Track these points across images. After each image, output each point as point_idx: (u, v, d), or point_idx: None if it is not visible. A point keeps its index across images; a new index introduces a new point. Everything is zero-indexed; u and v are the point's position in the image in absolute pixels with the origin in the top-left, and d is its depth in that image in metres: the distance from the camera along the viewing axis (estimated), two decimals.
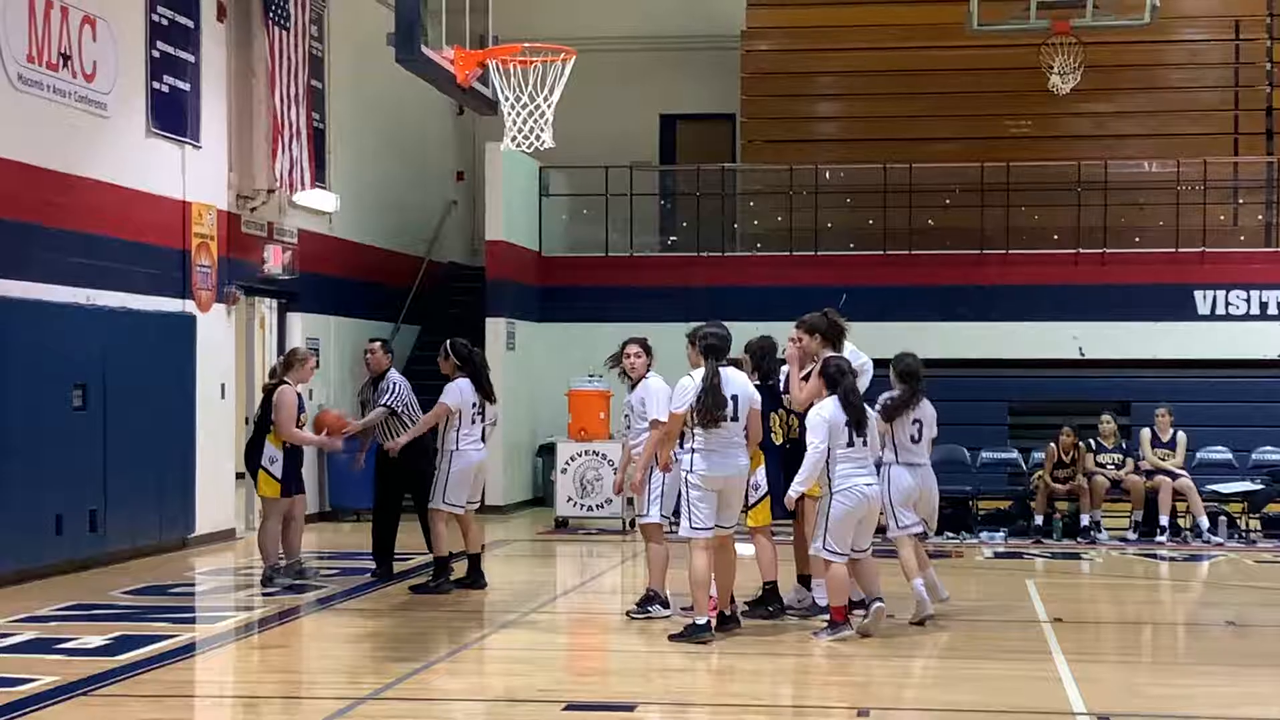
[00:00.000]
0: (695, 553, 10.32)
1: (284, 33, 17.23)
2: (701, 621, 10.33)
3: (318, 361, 14.96)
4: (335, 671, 9.81)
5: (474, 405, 12.95)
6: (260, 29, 17.00)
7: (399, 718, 8.47)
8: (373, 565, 13.79)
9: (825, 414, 10.44)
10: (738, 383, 10.49)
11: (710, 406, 10.16)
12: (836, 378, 10.63)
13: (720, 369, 10.34)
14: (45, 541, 13.42)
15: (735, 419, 10.35)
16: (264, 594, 12.71)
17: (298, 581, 13.04)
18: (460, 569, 13.09)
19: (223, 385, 16.68)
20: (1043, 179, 22.01)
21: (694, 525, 10.33)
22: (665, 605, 11.33)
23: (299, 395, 13.03)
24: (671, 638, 10.39)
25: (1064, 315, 20.90)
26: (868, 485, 10.54)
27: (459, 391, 12.87)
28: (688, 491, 10.39)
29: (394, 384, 13.55)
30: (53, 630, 10.83)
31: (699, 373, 10.34)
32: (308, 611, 12.13)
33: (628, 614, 11.36)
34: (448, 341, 13.29)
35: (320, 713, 8.45)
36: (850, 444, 10.44)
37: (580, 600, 13.40)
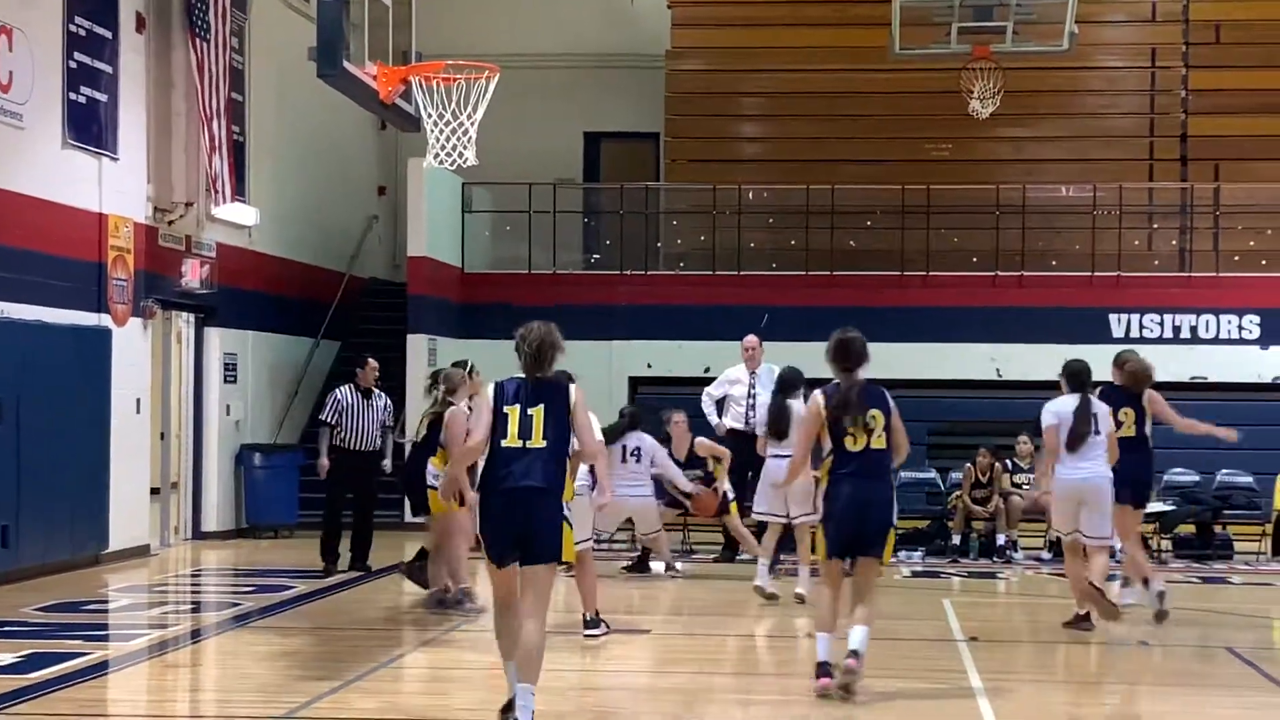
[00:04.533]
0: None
1: (204, 44, 17.11)
2: (1083, 612, 11.67)
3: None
4: (251, 690, 9.71)
5: None
6: (180, 40, 16.88)
7: None
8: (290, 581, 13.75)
9: None
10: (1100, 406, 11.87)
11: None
12: None
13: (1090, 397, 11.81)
14: None
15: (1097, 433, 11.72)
16: (464, 613, 12.34)
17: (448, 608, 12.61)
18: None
19: (138, 400, 16.51)
20: (962, 202, 22.21)
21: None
22: (603, 625, 11.42)
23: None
24: (1065, 624, 11.78)
25: (982, 337, 21.10)
26: None
27: None
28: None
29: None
30: None
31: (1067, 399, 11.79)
32: (224, 629, 12.02)
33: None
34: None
35: None
36: None
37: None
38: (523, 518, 8.15)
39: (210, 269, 17.95)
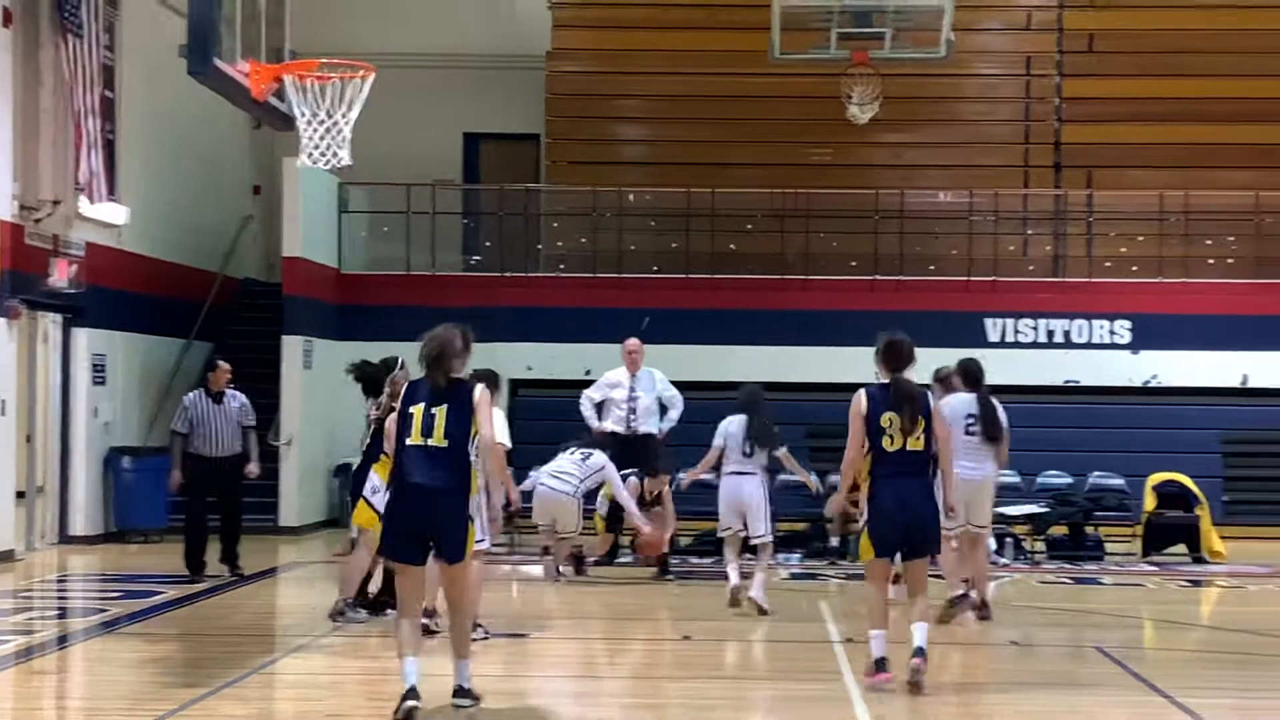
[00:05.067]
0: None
1: (77, 41, 16.74)
2: (959, 594, 12.07)
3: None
4: (119, 697, 9.51)
5: None
6: (49, 38, 16.50)
7: None
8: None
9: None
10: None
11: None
12: None
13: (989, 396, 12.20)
14: None
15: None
16: (333, 626, 11.95)
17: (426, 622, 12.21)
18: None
19: (3, 402, 16.13)
20: (842, 207, 22.35)
21: None
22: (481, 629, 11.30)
23: None
24: (949, 601, 12.02)
25: (860, 340, 21.00)
26: None
27: None
28: None
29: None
30: None
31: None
32: (91, 635, 11.78)
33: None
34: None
35: None
36: None
37: (376, 624, 13.18)
38: (426, 515, 8.52)
39: (79, 268, 17.58)
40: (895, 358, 9.74)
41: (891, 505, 9.47)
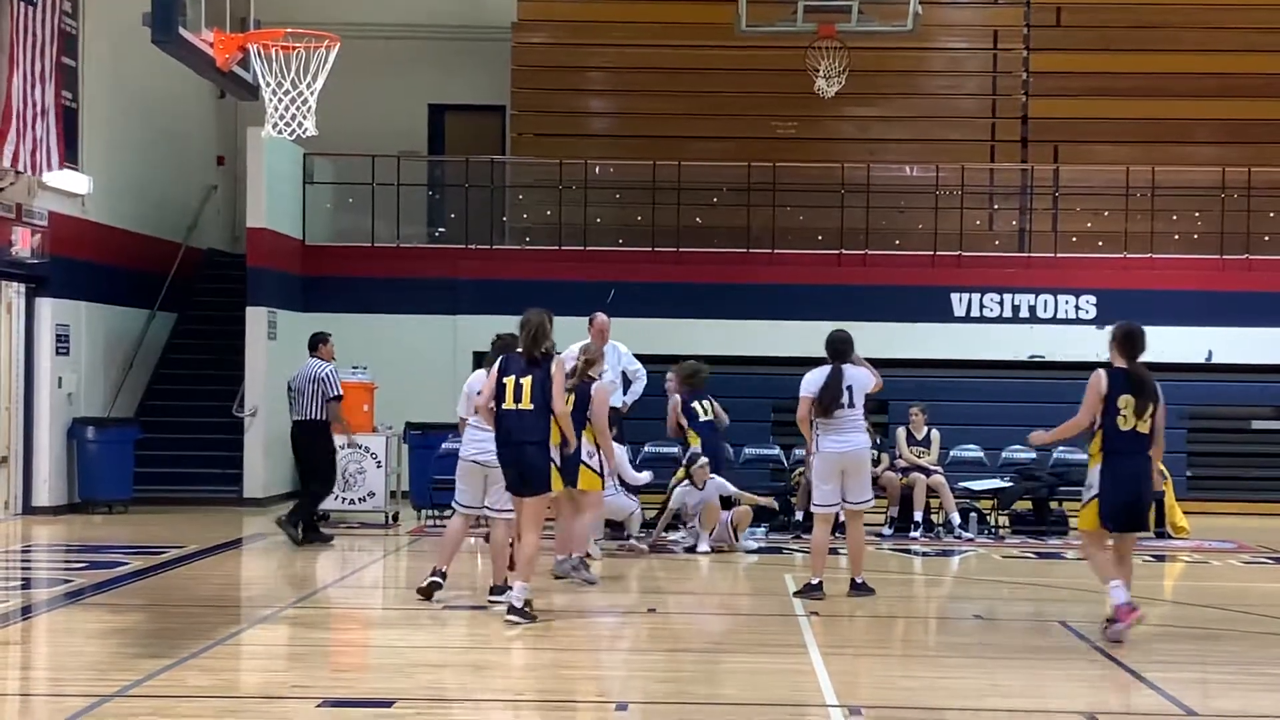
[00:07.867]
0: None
1: (29, 8, 16.57)
2: (815, 582, 12.15)
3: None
4: (83, 668, 9.45)
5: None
6: None
7: (147, 715, 8.19)
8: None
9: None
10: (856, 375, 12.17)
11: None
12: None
13: (843, 368, 12.14)
14: None
15: (852, 405, 12.05)
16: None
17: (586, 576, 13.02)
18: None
19: None
20: (808, 180, 22.36)
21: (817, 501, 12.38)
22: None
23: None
24: (796, 594, 12.22)
25: (826, 314, 21.17)
26: None
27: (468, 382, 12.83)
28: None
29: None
30: None
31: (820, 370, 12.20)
32: (54, 606, 11.72)
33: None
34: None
35: (64, 711, 8.14)
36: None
37: (340, 595, 13.18)
38: (519, 461, 10.91)
39: (42, 238, 17.46)
40: (1134, 345, 10.70)
41: (1128, 481, 10.44)
